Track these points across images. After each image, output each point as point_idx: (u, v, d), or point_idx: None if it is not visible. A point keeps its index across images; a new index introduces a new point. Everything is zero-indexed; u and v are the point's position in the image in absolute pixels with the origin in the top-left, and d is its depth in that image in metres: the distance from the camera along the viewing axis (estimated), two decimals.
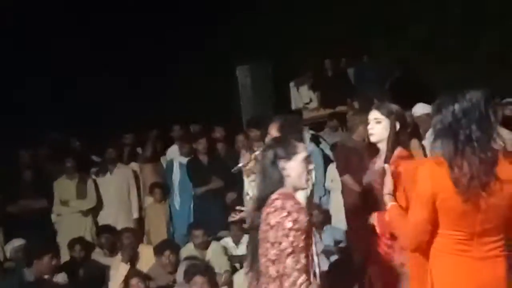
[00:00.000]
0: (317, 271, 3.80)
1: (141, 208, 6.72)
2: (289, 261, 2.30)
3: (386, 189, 2.55)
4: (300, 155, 2.51)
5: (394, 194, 2.56)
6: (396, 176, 2.64)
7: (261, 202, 2.47)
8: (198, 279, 4.38)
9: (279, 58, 9.58)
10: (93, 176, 6.54)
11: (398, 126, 3.09)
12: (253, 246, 2.51)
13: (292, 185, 2.49)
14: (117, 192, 6.50)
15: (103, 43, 9.65)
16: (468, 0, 8.99)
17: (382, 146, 3.12)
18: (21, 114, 8.51)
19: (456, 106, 2.17)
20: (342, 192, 5.58)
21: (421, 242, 2.27)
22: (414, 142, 5.53)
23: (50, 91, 9.15)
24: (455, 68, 8.38)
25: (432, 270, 2.29)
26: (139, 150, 7.15)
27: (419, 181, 2.26)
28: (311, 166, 2.55)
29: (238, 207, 4.19)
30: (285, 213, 2.33)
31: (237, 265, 5.29)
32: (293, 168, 2.48)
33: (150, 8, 10.22)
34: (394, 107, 3.18)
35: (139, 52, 9.81)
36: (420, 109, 5.84)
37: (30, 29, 9.06)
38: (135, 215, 6.60)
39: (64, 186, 6.31)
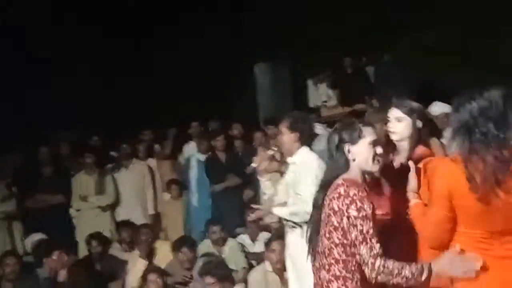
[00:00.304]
0: None
1: (158, 204, 6.77)
2: (363, 249, 2.32)
3: (410, 187, 2.54)
4: (367, 139, 2.50)
5: (417, 191, 2.55)
6: (419, 174, 2.62)
7: (325, 184, 2.50)
8: (209, 279, 4.40)
9: (297, 56, 9.55)
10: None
11: (419, 124, 3.06)
12: (314, 226, 2.54)
13: (358, 169, 2.49)
14: (133, 187, 6.54)
15: (123, 40, 9.71)
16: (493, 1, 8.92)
17: (403, 144, 3.09)
18: (40, 112, 8.60)
19: (474, 105, 2.17)
20: None
21: (442, 240, 2.28)
22: (434, 140, 5.50)
23: (71, 88, 9.23)
24: (472, 70, 8.31)
25: None
26: (157, 147, 7.19)
27: (436, 179, 2.26)
28: (379, 150, 2.52)
29: (254, 206, 4.20)
30: (348, 201, 2.35)
31: (254, 262, 5.29)
32: (359, 152, 2.48)
33: (169, 5, 10.27)
34: (415, 104, 3.15)
35: (159, 49, 9.86)
36: (438, 108, 5.79)
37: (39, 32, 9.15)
38: (151, 211, 6.64)
39: (83, 182, 6.36)
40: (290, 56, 9.09)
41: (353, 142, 2.49)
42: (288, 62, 8.25)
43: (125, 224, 5.95)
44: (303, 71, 9.43)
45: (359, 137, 2.50)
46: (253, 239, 5.58)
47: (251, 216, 4.16)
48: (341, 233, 2.37)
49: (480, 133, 2.14)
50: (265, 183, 4.17)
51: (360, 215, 2.32)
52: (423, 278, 2.26)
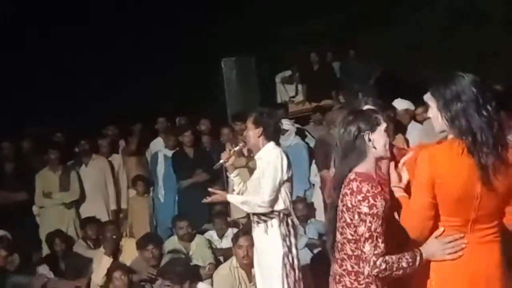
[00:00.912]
0: (296, 263, 3.83)
1: (124, 200, 6.69)
2: (367, 246, 2.30)
3: (392, 182, 2.54)
4: (382, 126, 2.48)
5: (400, 185, 2.54)
6: (401, 167, 2.60)
7: (340, 178, 2.43)
8: (165, 282, 4.35)
9: (264, 52, 9.57)
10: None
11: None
12: (330, 219, 2.50)
13: (374, 158, 2.45)
14: (94, 184, 6.44)
15: (91, 37, 9.58)
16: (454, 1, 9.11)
17: None
18: (4, 105, 8.41)
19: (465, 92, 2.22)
20: (321, 187, 5.60)
21: (423, 229, 2.30)
22: (399, 137, 5.59)
23: (36, 84, 9.06)
24: (437, 66, 8.47)
25: None
26: (121, 142, 7.10)
27: (418, 167, 2.28)
28: (388, 137, 2.51)
29: (211, 189, 4.18)
30: (360, 197, 2.32)
31: (221, 258, 5.28)
32: (378, 139, 2.45)
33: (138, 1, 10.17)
34: (380, 102, 3.18)
35: (126, 44, 9.75)
36: (399, 104, 5.89)
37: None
38: (113, 206, 6.55)
39: (47, 178, 6.24)
40: (257, 51, 9.09)
41: (373, 129, 2.44)
42: (255, 57, 8.27)
43: (90, 221, 5.85)
44: (270, 66, 9.45)
45: (377, 124, 2.46)
46: (220, 236, 5.57)
47: (206, 199, 4.15)
48: (354, 229, 2.35)
49: (483, 117, 2.18)
50: (233, 179, 4.16)
51: (371, 212, 2.30)
52: (417, 264, 2.31)
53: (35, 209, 6.33)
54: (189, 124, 6.97)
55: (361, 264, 2.35)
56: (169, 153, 6.50)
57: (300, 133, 6.77)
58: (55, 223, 5.98)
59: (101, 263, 5.03)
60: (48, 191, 6.20)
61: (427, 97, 2.35)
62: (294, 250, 3.86)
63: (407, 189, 2.47)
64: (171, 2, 10.12)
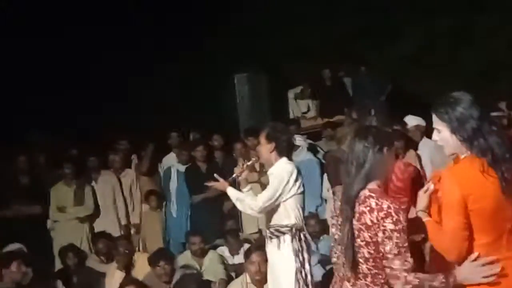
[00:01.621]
0: (309, 279, 3.82)
1: (137, 216, 6.71)
2: (397, 262, 2.29)
3: (419, 206, 2.48)
4: (393, 144, 2.50)
5: (427, 209, 2.49)
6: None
7: (351, 194, 2.39)
8: None
9: (277, 67, 9.61)
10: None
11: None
12: (347, 232, 2.42)
13: (386, 174, 2.46)
14: (104, 199, 6.46)
15: (104, 48, 9.68)
16: (460, 17, 9.17)
17: None
18: (20, 119, 8.49)
19: (479, 112, 2.26)
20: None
21: (461, 250, 2.28)
22: (410, 153, 5.57)
23: (50, 96, 9.15)
24: (446, 82, 8.49)
25: None
26: (133, 157, 7.09)
27: (445, 189, 2.27)
28: (398, 155, 2.55)
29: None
30: (383, 214, 2.30)
31: (233, 274, 5.28)
32: (389, 157, 2.44)
33: (150, 13, 10.27)
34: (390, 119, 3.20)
35: (138, 57, 9.83)
36: (410, 120, 5.88)
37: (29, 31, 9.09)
38: (124, 221, 6.56)
39: (62, 192, 6.29)
40: (270, 66, 9.16)
41: (390, 145, 2.45)
42: (267, 73, 8.32)
43: (102, 236, 5.88)
44: (283, 82, 9.49)
45: (389, 143, 2.47)
46: (233, 252, 5.56)
47: (209, 182, 4.19)
48: (374, 247, 2.32)
49: (494, 133, 2.24)
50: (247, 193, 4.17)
51: (397, 227, 2.28)
52: (450, 286, 2.29)
53: (49, 223, 6.38)
54: (202, 139, 7.00)
55: (392, 281, 2.32)
56: (182, 168, 6.53)
57: (312, 149, 6.78)
58: (69, 238, 6.01)
59: (114, 277, 5.05)
60: (62, 205, 6.25)
61: (435, 122, 2.36)
62: (307, 266, 3.85)
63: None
64: (186, 14, 10.22)
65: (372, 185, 2.40)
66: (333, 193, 5.67)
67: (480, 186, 2.23)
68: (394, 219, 2.29)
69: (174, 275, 4.97)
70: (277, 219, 3.87)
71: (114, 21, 9.81)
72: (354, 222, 2.37)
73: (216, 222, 6.09)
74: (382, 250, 2.31)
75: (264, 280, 4.19)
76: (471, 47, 9.05)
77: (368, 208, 2.33)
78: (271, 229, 3.88)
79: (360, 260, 2.37)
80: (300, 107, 9.32)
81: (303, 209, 4.00)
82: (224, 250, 5.62)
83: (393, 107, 7.55)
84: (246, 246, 5.29)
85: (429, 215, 2.42)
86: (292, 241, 3.82)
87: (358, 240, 2.36)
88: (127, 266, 5.23)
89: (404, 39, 9.58)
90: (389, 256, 2.30)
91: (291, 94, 9.46)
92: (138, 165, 6.95)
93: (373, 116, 3.37)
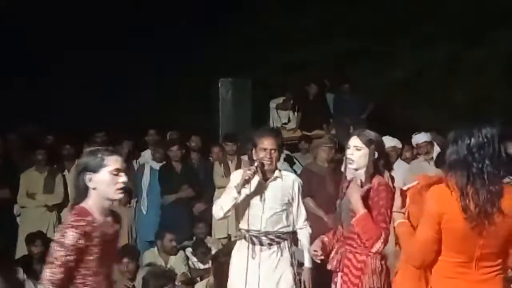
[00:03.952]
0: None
1: None
2: None
3: (395, 207, 2.58)
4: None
5: (402, 211, 2.58)
6: (404, 195, 2.64)
7: None
8: None
9: (261, 76, 9.66)
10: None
11: (376, 155, 3.15)
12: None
13: None
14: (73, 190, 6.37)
15: (93, 43, 9.64)
16: (446, 46, 9.34)
17: (359, 173, 3.18)
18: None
19: (472, 141, 2.28)
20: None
21: (426, 260, 2.36)
22: (385, 173, 5.64)
23: (28, 83, 9.05)
24: (428, 108, 8.62)
25: None
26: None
27: (428, 201, 2.35)
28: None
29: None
30: None
31: (198, 279, 5.27)
32: None
33: (138, 11, 10.24)
34: (374, 135, 3.24)
35: (125, 55, 9.79)
36: (387, 141, 5.97)
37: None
38: None
39: (32, 179, 6.20)
40: (254, 74, 9.20)
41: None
42: (252, 80, 8.36)
43: None
44: (266, 91, 9.54)
45: None
46: (200, 260, 5.54)
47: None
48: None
49: (477, 168, 2.26)
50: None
51: None
52: None
53: (16, 208, 6.28)
54: (179, 139, 6.96)
55: None
56: (156, 166, 6.49)
57: (289, 160, 6.81)
58: (36, 225, 5.92)
59: None
60: (32, 191, 6.16)
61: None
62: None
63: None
64: (172, 16, 10.22)
65: None
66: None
67: (455, 209, 2.28)
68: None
69: (138, 273, 4.93)
70: (280, 226, 3.79)
71: (102, 20, 9.78)
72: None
73: (186, 223, 6.07)
74: None
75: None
76: (459, 78, 9.22)
77: None
78: (270, 236, 3.73)
79: None
80: (281, 117, 9.37)
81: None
82: (191, 251, 5.61)
83: (372, 127, 7.61)
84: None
85: (407, 217, 2.51)
86: (291, 246, 3.82)
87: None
88: None
89: (394, 65, 9.72)
90: None
91: (273, 104, 9.50)
92: None
93: (353, 133, 3.39)
